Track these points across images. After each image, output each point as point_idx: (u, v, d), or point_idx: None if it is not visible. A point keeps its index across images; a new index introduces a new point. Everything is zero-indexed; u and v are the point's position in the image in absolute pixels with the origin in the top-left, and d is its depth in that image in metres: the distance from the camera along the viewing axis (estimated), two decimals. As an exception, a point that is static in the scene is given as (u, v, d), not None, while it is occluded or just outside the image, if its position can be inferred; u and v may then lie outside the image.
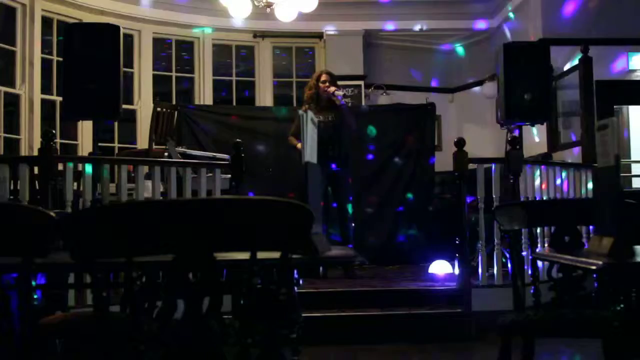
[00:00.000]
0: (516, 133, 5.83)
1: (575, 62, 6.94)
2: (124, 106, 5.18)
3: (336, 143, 5.87)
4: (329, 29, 8.78)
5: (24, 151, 7.03)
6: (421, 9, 8.71)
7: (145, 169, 4.87)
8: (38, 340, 2.37)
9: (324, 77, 6.00)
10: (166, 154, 5.77)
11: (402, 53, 9.46)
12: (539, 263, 3.85)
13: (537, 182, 5.41)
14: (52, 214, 1.57)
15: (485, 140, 8.50)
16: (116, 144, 8.04)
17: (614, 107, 7.54)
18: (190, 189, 4.92)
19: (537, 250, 4.61)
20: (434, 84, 9.53)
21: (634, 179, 8.34)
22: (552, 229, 2.93)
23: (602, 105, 6.87)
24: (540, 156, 7.17)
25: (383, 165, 7.28)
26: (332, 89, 5.89)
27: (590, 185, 5.70)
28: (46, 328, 2.46)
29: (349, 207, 6.01)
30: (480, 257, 5.16)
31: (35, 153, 4.69)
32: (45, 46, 7.44)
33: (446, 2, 8.69)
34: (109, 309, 1.75)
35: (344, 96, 6.20)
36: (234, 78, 8.94)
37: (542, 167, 5.61)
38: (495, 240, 5.12)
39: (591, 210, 2.19)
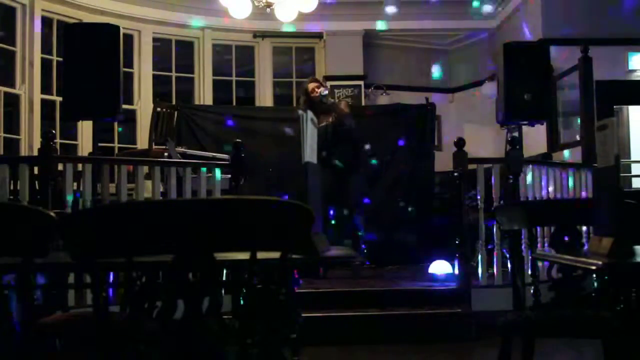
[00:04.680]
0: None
1: (575, 62, 6.94)
2: (124, 106, 5.18)
3: (339, 146, 5.87)
4: (329, 29, 8.78)
5: (24, 151, 7.03)
6: (421, 9, 8.71)
7: (145, 169, 4.86)
8: (38, 340, 2.37)
9: (312, 86, 6.02)
10: (166, 154, 5.77)
11: (402, 53, 9.46)
12: (539, 263, 3.85)
13: (537, 182, 5.41)
14: (52, 214, 1.57)
15: (485, 140, 8.50)
16: (116, 144, 8.04)
17: (614, 107, 7.53)
18: (190, 189, 4.91)
19: (537, 250, 4.61)
20: (434, 84, 9.52)
21: (634, 179, 8.34)
22: (552, 229, 2.93)
23: (602, 105, 6.87)
24: (540, 156, 7.17)
25: (383, 166, 7.27)
26: (318, 91, 5.91)
27: (590, 185, 5.70)
28: (46, 328, 2.46)
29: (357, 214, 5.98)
30: (480, 257, 5.16)
31: (35, 153, 4.70)
32: (45, 46, 7.44)
33: (446, 2, 8.68)
34: (109, 309, 1.75)
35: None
36: (234, 78, 8.94)
37: (542, 167, 5.61)
38: (495, 240, 5.12)
39: (591, 210, 2.19)
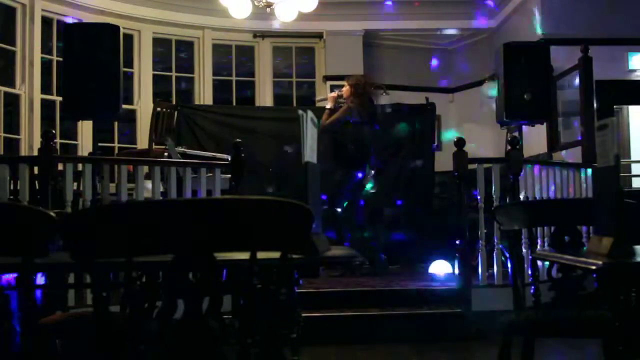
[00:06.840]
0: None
1: (575, 62, 6.94)
2: (124, 106, 5.18)
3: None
4: (329, 29, 8.78)
5: (24, 151, 7.03)
6: (421, 9, 8.71)
7: (145, 169, 4.86)
8: (38, 340, 2.37)
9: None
10: (166, 154, 5.77)
11: (402, 53, 9.45)
12: (539, 263, 3.85)
13: (537, 182, 5.41)
14: (52, 214, 1.57)
15: (485, 140, 8.50)
16: (116, 144, 8.04)
17: (614, 107, 7.54)
18: (190, 189, 4.92)
19: (537, 250, 4.61)
20: (434, 84, 9.52)
21: (634, 179, 8.35)
22: (552, 229, 2.93)
23: (602, 105, 6.87)
24: (540, 156, 7.17)
25: (383, 165, 7.26)
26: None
27: (590, 185, 5.69)
28: (46, 328, 2.46)
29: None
30: (480, 257, 5.16)
31: (35, 153, 4.69)
32: (45, 46, 7.43)
33: (446, 2, 8.69)
34: (109, 309, 1.75)
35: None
36: (234, 78, 8.94)
37: (542, 167, 5.61)
38: (495, 240, 5.12)
39: (591, 210, 2.19)
